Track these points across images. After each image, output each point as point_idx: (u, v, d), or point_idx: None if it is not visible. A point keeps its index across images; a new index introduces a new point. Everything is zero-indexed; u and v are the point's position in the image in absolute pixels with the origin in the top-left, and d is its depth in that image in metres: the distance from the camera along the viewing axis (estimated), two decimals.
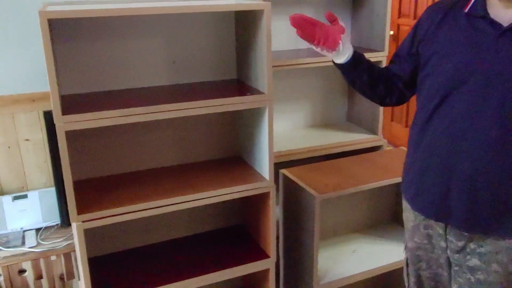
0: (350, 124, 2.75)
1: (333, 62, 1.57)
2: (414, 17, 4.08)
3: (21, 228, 2.39)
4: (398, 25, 4.31)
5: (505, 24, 1.25)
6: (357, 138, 2.53)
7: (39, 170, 2.46)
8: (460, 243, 1.41)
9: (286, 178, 2.20)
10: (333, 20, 1.47)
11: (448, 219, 1.39)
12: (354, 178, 2.15)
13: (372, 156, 2.40)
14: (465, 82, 1.29)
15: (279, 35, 2.49)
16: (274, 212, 1.94)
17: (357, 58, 1.51)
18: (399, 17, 4.30)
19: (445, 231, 1.43)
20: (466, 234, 1.38)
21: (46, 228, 2.42)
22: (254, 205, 2.08)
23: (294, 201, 2.15)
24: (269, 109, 1.79)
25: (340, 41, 1.45)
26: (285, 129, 2.67)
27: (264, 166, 1.90)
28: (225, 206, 2.23)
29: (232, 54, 2.06)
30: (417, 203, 1.47)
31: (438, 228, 1.45)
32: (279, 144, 2.41)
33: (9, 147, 2.39)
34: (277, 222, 2.30)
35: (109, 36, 1.86)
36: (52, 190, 2.39)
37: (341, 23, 1.47)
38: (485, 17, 1.28)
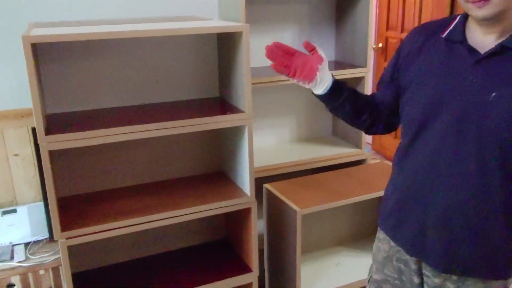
0: (335, 138, 2.80)
1: (312, 92, 1.48)
2: (402, 30, 4.15)
3: (10, 243, 2.41)
4: (387, 38, 4.38)
5: (483, 51, 1.20)
6: (342, 152, 2.57)
7: (28, 184, 2.49)
8: (437, 280, 1.34)
9: (269, 192, 2.24)
10: (311, 49, 1.40)
11: (424, 257, 1.33)
12: (337, 193, 2.19)
13: (355, 170, 2.45)
14: (441, 112, 1.24)
15: (263, 52, 2.53)
16: (256, 227, 1.99)
17: (337, 89, 1.43)
18: (387, 29, 4.36)
19: (420, 266, 1.37)
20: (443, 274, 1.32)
21: (35, 242, 2.44)
22: (236, 220, 2.13)
23: (277, 215, 2.20)
24: (248, 127, 1.84)
25: (317, 72, 1.38)
26: (271, 143, 2.72)
27: (246, 182, 1.95)
28: (209, 221, 2.27)
29: (214, 73, 2.12)
30: (395, 236, 1.41)
31: (412, 263, 1.38)
32: (264, 158, 2.46)
33: None
34: (262, 236, 2.34)
35: (93, 56, 1.91)
36: (41, 205, 2.42)
37: (321, 52, 1.39)
38: (463, 43, 1.24)
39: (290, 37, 2.62)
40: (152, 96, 2.04)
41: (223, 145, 2.16)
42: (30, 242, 2.43)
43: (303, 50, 2.57)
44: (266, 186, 2.27)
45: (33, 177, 2.49)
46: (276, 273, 2.30)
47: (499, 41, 1.19)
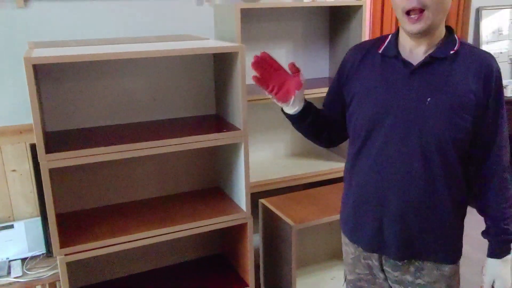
0: (329, 153, 2.84)
1: (281, 109, 1.54)
2: None
3: (6, 258, 2.43)
4: None
5: (415, 62, 1.34)
6: (336, 167, 2.61)
7: (25, 200, 2.51)
8: (396, 273, 1.46)
9: (265, 207, 2.28)
10: (295, 71, 1.44)
11: (384, 251, 1.44)
12: (332, 207, 2.23)
13: None
14: (384, 120, 1.36)
15: None
16: (252, 242, 2.01)
17: (306, 111, 1.50)
18: None
19: (381, 262, 1.48)
20: (400, 263, 1.45)
21: (32, 258, 2.46)
22: (232, 235, 2.15)
23: (272, 230, 2.23)
24: (244, 144, 1.88)
25: (292, 96, 1.43)
26: (266, 158, 2.76)
27: (242, 198, 1.98)
28: (205, 236, 2.30)
29: (211, 91, 2.16)
30: (355, 237, 1.53)
31: (374, 260, 1.49)
32: (260, 173, 2.49)
33: None
34: (258, 250, 2.37)
35: (92, 75, 1.95)
36: (38, 220, 2.44)
37: (302, 77, 1.42)
38: (397, 57, 1.37)
39: (284, 54, 2.67)
40: (150, 114, 2.07)
41: (219, 161, 2.19)
42: (27, 258, 2.45)
43: (298, 64, 2.62)
44: (262, 201, 2.30)
45: (31, 193, 2.51)
46: (272, 287, 2.33)
47: (428, 53, 1.34)
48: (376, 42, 1.47)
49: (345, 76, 1.50)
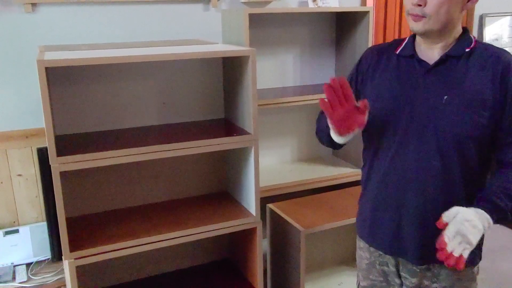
0: (335, 159, 2.83)
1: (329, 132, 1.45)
2: None
3: (11, 263, 2.41)
4: None
5: (430, 62, 1.36)
6: (343, 172, 2.61)
7: (31, 205, 2.50)
8: (414, 280, 1.45)
9: (273, 212, 2.27)
10: (364, 109, 1.32)
11: (402, 254, 1.43)
12: (340, 212, 2.22)
13: (357, 190, 2.47)
14: (400, 118, 1.37)
15: (266, 74, 2.60)
16: (261, 247, 2.00)
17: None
18: None
19: (398, 268, 1.47)
20: (418, 270, 1.43)
21: (37, 263, 2.44)
22: (241, 240, 2.14)
23: (280, 235, 2.22)
24: (254, 148, 1.88)
25: (352, 133, 1.35)
26: (272, 163, 2.75)
27: (251, 202, 1.97)
28: (214, 241, 2.29)
29: (220, 95, 2.16)
30: (372, 240, 1.52)
31: (391, 265, 1.49)
32: (267, 178, 2.49)
33: (1, 182, 2.43)
34: (265, 255, 2.36)
35: (102, 79, 1.95)
36: (43, 225, 2.43)
37: (367, 117, 1.34)
38: (413, 56, 1.40)
39: (291, 60, 2.68)
40: (159, 117, 2.07)
41: (228, 166, 2.19)
42: (32, 263, 2.43)
43: (305, 70, 2.61)
44: (270, 206, 2.29)
45: (36, 197, 2.50)
46: None
47: (443, 52, 1.36)
48: (393, 43, 1.49)
49: (360, 77, 1.51)
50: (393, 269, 1.49)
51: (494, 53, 1.34)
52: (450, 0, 1.27)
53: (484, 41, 3.51)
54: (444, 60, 1.35)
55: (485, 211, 1.26)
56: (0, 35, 2.25)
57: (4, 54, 2.27)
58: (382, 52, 1.48)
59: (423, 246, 1.39)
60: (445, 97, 1.32)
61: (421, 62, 1.38)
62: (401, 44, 1.46)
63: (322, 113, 1.59)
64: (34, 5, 2.26)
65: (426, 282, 1.44)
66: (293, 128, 2.76)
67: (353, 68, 1.57)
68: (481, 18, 3.49)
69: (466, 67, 1.33)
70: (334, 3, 2.72)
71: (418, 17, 1.30)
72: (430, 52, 1.38)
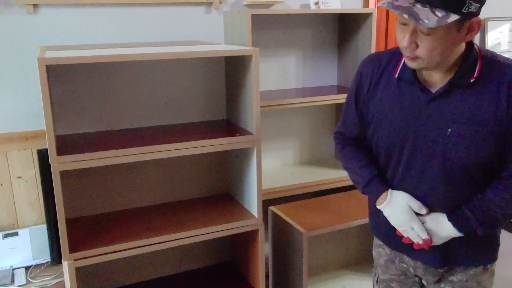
0: (338, 161, 2.81)
1: (374, 199, 1.48)
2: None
3: (10, 266, 2.38)
4: None
5: (434, 88, 1.30)
6: (345, 175, 2.57)
7: (31, 207, 2.48)
8: (435, 278, 1.47)
9: (274, 215, 2.25)
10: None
11: (422, 258, 1.45)
12: (342, 215, 2.20)
13: (358, 193, 2.45)
14: (404, 147, 1.35)
15: (268, 76, 2.59)
16: (263, 249, 1.98)
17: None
18: None
19: (415, 266, 1.49)
20: (440, 270, 1.45)
21: (36, 266, 2.41)
22: (243, 242, 2.12)
23: (282, 237, 2.19)
24: (257, 149, 1.86)
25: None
26: (274, 166, 2.73)
27: (253, 204, 1.95)
28: (215, 243, 2.27)
29: (222, 96, 2.14)
30: (391, 243, 1.51)
31: (410, 266, 1.50)
32: (268, 181, 2.47)
33: (1, 185, 2.41)
34: (267, 259, 2.33)
35: (103, 78, 1.94)
36: (43, 228, 2.40)
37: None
38: (415, 83, 1.32)
39: (293, 61, 2.67)
40: (160, 118, 2.06)
41: (230, 167, 2.17)
42: (31, 266, 2.40)
43: (307, 72, 2.60)
44: (272, 208, 2.27)
45: (36, 200, 2.48)
46: None
47: (446, 77, 1.28)
48: (391, 59, 1.40)
49: (362, 98, 1.46)
50: (411, 270, 1.50)
51: (501, 70, 1.26)
52: (443, 42, 1.18)
53: (486, 45, 3.50)
54: (447, 89, 1.28)
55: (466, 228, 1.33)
56: (1, 36, 2.24)
57: (4, 55, 2.26)
58: (380, 70, 1.41)
59: (441, 251, 1.40)
60: (449, 129, 1.28)
61: (424, 89, 1.31)
62: (399, 63, 1.37)
63: (343, 147, 1.58)
64: (35, 6, 2.25)
65: (444, 274, 1.46)
66: (295, 130, 2.74)
67: (352, 84, 1.51)
68: (484, 23, 3.48)
69: (470, 96, 1.26)
70: (336, 5, 2.71)
71: (411, 58, 1.24)
72: (432, 75, 1.31)
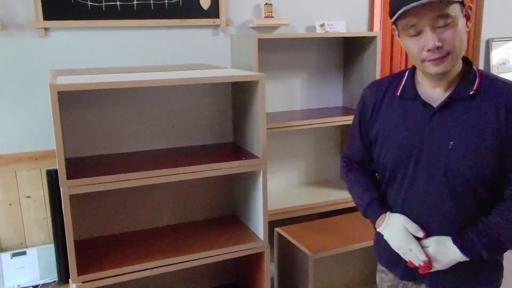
0: (343, 182, 2.82)
1: (373, 222, 1.49)
2: None
3: (18, 286, 2.40)
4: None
5: (435, 103, 1.32)
6: (350, 196, 2.58)
7: (38, 226, 2.50)
8: None
9: (280, 236, 2.25)
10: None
11: (425, 282, 1.44)
12: (348, 237, 2.21)
13: None
14: (408, 163, 1.35)
15: (274, 97, 2.62)
16: (269, 271, 1.99)
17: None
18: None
19: None
20: None
21: (43, 285, 2.43)
22: (249, 264, 2.13)
23: (288, 259, 2.20)
24: (263, 172, 1.88)
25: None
26: (280, 187, 2.75)
27: (259, 226, 1.97)
28: (221, 265, 2.27)
29: (228, 119, 2.17)
30: (394, 269, 1.51)
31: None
32: (274, 202, 2.48)
33: (10, 204, 2.44)
34: (272, 279, 2.33)
35: (112, 102, 1.97)
36: (51, 247, 2.43)
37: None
38: (416, 99, 1.35)
39: (299, 84, 2.70)
40: (168, 141, 2.09)
41: (236, 189, 2.19)
42: (38, 285, 2.42)
43: (313, 94, 2.62)
44: (278, 230, 2.28)
45: (44, 219, 2.50)
46: None
47: (447, 92, 1.32)
48: (392, 81, 1.44)
49: (366, 121, 1.49)
50: None
51: (500, 89, 1.30)
52: (461, 30, 1.24)
53: (491, 65, 3.52)
54: (448, 103, 1.31)
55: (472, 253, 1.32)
56: (12, 58, 2.29)
57: (15, 77, 2.31)
58: (383, 91, 1.44)
59: (443, 276, 1.39)
60: (451, 142, 1.30)
61: (426, 104, 1.34)
62: (400, 82, 1.41)
63: (348, 170, 1.60)
64: (46, 29, 2.31)
65: None
66: (300, 152, 2.76)
67: (357, 109, 1.54)
68: (488, 43, 3.51)
69: (471, 109, 1.29)
70: (342, 28, 2.75)
71: (439, 59, 1.25)
72: (433, 92, 1.34)
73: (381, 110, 1.44)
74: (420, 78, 1.38)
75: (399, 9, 1.23)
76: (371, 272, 2.58)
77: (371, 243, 2.15)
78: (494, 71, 3.54)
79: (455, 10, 1.22)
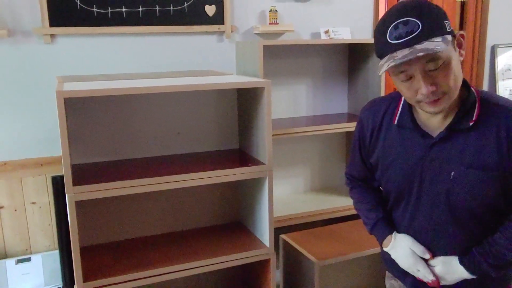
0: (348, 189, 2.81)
1: (380, 241, 1.50)
2: None
3: None
4: (395, 90, 4.47)
5: (434, 132, 1.30)
6: None
7: (43, 233, 2.50)
8: None
9: (286, 243, 2.24)
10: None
11: None
12: (354, 244, 2.19)
13: None
14: (410, 192, 1.35)
15: (279, 104, 2.62)
16: (274, 278, 1.98)
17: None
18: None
19: None
20: None
21: None
22: (254, 271, 2.12)
23: (294, 266, 2.19)
24: (269, 178, 1.87)
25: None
26: (285, 194, 2.74)
27: (265, 233, 1.96)
28: (226, 271, 2.26)
29: (234, 125, 2.17)
30: (404, 279, 1.50)
31: None
32: (279, 208, 2.47)
33: (15, 210, 2.45)
34: (278, 286, 2.32)
35: (118, 109, 1.98)
36: (55, 254, 2.42)
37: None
38: (414, 129, 1.32)
39: (304, 90, 2.70)
40: (174, 147, 2.09)
41: (242, 196, 2.18)
42: None
43: (318, 100, 2.62)
44: (283, 237, 2.27)
45: (49, 226, 2.50)
46: None
47: (446, 120, 1.28)
48: (389, 105, 1.40)
49: (365, 147, 1.48)
50: None
51: (501, 114, 1.25)
52: (454, 65, 1.18)
53: (496, 71, 3.51)
54: (447, 134, 1.28)
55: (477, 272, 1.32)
56: (19, 65, 2.30)
57: (20, 83, 2.32)
58: (380, 118, 1.41)
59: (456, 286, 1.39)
60: (452, 173, 1.28)
61: (424, 134, 1.31)
62: (397, 109, 1.37)
63: (352, 188, 1.61)
64: (53, 36, 2.32)
65: None
66: (306, 158, 2.76)
67: (356, 132, 1.52)
68: (493, 49, 3.50)
69: (471, 140, 1.26)
70: (347, 34, 2.75)
71: (435, 101, 1.20)
72: (431, 120, 1.31)
73: (379, 138, 1.42)
74: (418, 108, 1.32)
75: (384, 56, 1.17)
76: (377, 280, 2.56)
77: (377, 250, 2.13)
78: (499, 77, 3.53)
79: (445, 50, 1.14)
